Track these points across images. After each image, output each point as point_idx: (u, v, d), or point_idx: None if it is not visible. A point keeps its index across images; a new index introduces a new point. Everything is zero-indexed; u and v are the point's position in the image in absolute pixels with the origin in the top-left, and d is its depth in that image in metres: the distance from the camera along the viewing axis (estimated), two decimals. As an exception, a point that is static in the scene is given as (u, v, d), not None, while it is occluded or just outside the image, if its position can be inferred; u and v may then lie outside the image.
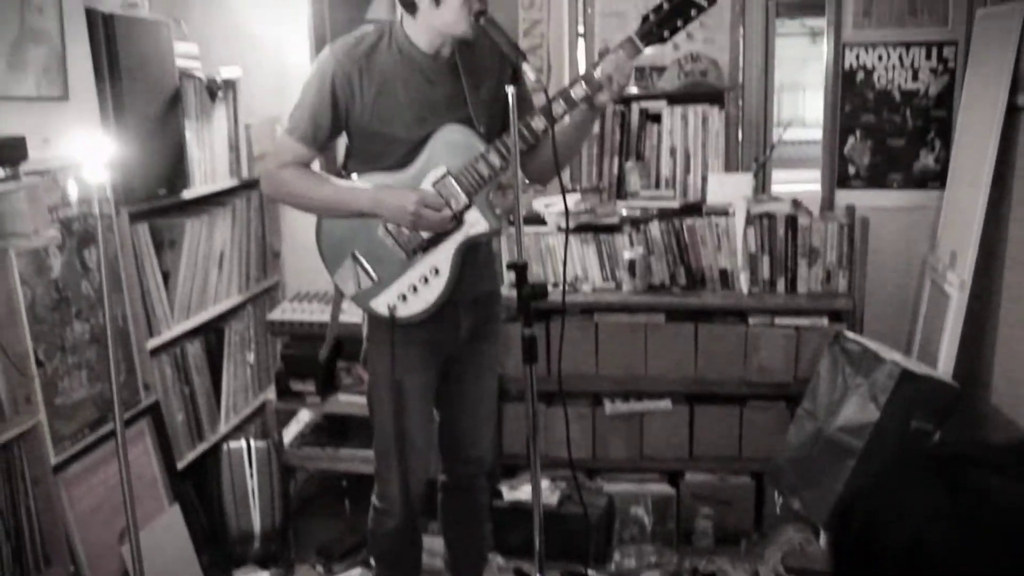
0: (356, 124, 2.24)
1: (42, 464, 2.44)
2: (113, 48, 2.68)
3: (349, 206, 2.26)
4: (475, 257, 2.35)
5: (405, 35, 2.20)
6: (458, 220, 2.26)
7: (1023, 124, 2.80)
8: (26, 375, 2.36)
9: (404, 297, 2.30)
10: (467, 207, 2.25)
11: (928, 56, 3.36)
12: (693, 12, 2.14)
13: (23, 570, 2.40)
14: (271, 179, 2.32)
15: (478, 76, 2.24)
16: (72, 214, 2.56)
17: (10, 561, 2.34)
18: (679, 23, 2.14)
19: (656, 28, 2.13)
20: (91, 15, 2.65)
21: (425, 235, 2.25)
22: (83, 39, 2.63)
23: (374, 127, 2.22)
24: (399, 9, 2.18)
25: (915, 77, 3.38)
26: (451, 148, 2.23)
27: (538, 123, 2.16)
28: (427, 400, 2.45)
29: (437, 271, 2.29)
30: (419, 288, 2.30)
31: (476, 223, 2.27)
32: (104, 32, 2.67)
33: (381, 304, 2.31)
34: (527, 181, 2.53)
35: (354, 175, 2.31)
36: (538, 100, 2.20)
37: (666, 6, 2.13)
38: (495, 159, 2.19)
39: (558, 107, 2.16)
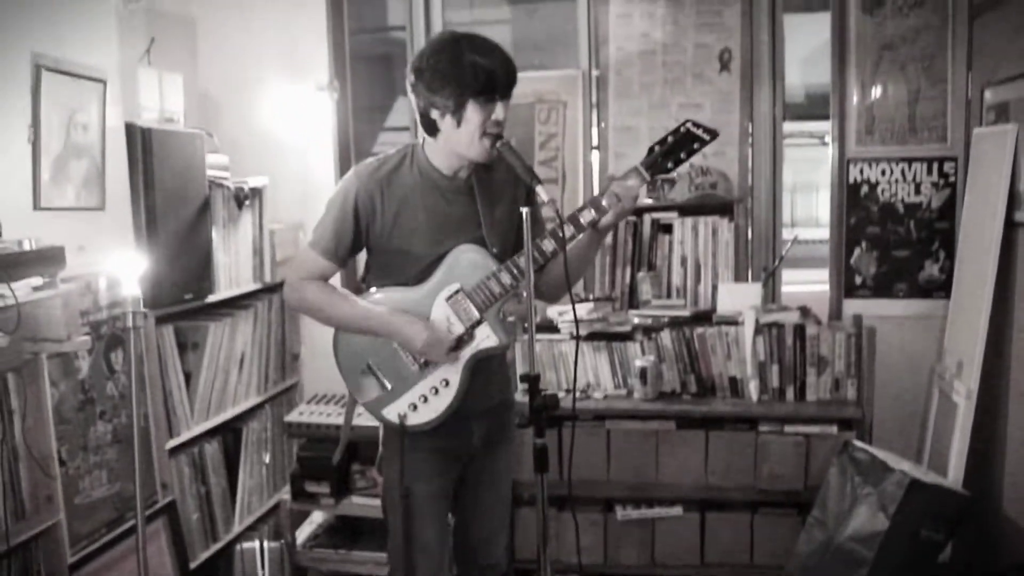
0: (376, 241, 2.34)
1: (59, 563, 2.47)
2: (149, 160, 2.84)
3: (362, 327, 2.35)
4: (487, 368, 2.42)
5: (425, 157, 2.33)
6: (470, 335, 2.34)
7: (1020, 239, 2.88)
8: (49, 475, 2.42)
9: (415, 406, 2.37)
10: (479, 323, 2.34)
11: (929, 171, 3.48)
12: (696, 145, 2.26)
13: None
14: (294, 290, 2.41)
15: (493, 198, 2.35)
16: (102, 318, 2.67)
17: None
18: (683, 155, 2.26)
19: (660, 160, 2.25)
20: (130, 130, 2.81)
21: None
22: (122, 152, 2.79)
23: (393, 244, 2.33)
24: (420, 133, 2.31)
25: (918, 191, 3.49)
26: (465, 266, 2.32)
27: (548, 245, 2.26)
28: (440, 506, 2.49)
29: (447, 383, 2.36)
30: (429, 398, 2.36)
31: (487, 338, 2.35)
32: (142, 146, 2.82)
33: (392, 413, 2.37)
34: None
35: (372, 288, 2.40)
36: (547, 217, 2.30)
37: (670, 139, 2.25)
38: (506, 278, 2.29)
39: (568, 230, 2.26)
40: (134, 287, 2.05)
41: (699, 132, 2.26)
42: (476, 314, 2.31)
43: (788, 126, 3.93)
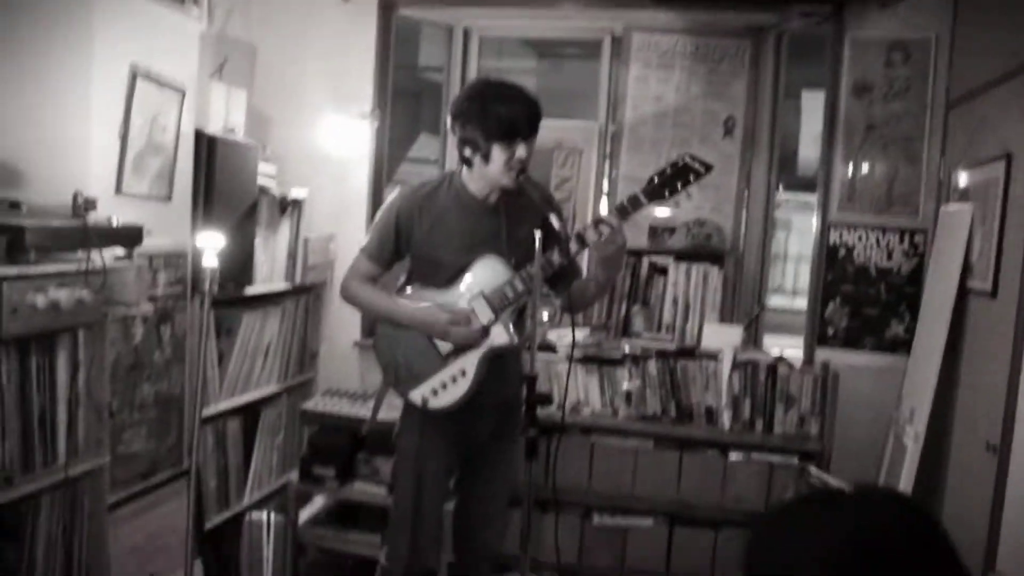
0: (415, 249, 2.75)
1: (100, 502, 2.82)
2: (212, 163, 3.24)
3: (395, 317, 2.75)
4: (502, 366, 2.78)
5: (461, 182, 2.73)
6: (486, 332, 2.71)
7: (970, 305, 3.25)
8: (102, 422, 2.77)
9: (435, 392, 2.74)
10: (493, 322, 2.71)
11: (901, 240, 3.86)
12: (692, 177, 2.59)
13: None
14: (345, 287, 2.84)
15: (518, 219, 2.72)
16: (158, 294, 3.04)
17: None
18: (679, 185, 2.59)
19: (659, 188, 2.59)
20: (199, 136, 3.22)
21: None
22: (190, 154, 3.18)
23: (428, 253, 2.73)
24: (460, 163, 2.71)
25: (889, 257, 3.87)
26: (486, 274, 2.71)
27: (556, 258, 2.63)
28: (443, 480, 2.84)
29: (464, 372, 2.73)
30: (448, 385, 2.73)
31: (499, 336, 2.73)
32: (207, 150, 3.23)
33: (417, 395, 2.74)
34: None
35: (410, 289, 2.79)
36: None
37: (669, 170, 2.59)
38: (519, 284, 2.67)
39: (573, 246, 2.63)
40: (213, 259, 2.44)
41: (695, 165, 2.57)
42: (492, 315, 2.69)
43: (800, 196, 4.30)
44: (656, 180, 2.60)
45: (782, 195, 6.61)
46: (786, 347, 4.35)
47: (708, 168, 2.60)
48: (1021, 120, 2.88)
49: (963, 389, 3.26)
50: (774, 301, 7.48)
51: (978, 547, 2.85)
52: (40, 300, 2.31)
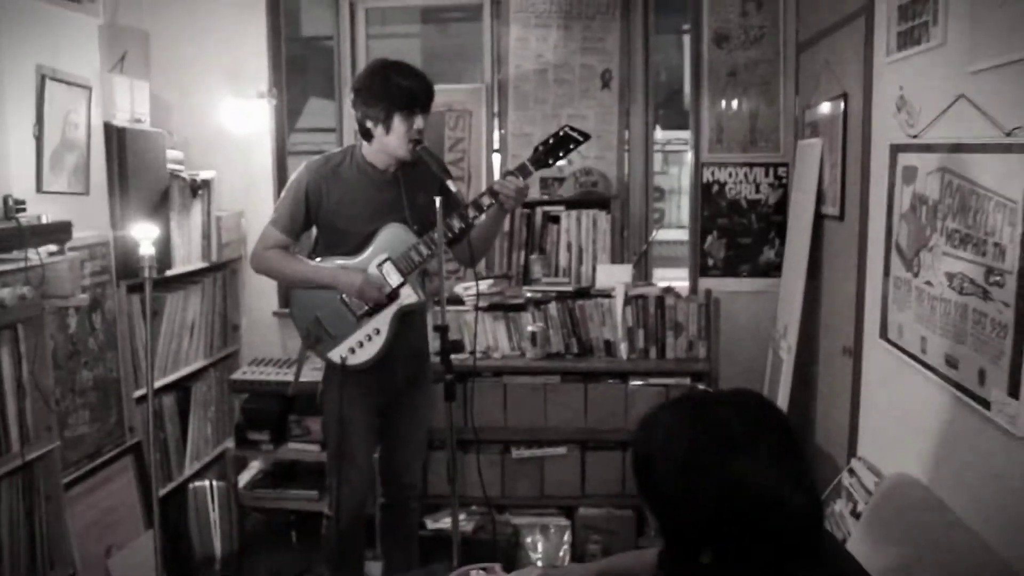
0: (323, 220, 2.99)
1: (55, 482, 3.01)
2: (123, 154, 3.40)
3: (314, 280, 2.99)
4: (410, 322, 3.08)
5: (363, 156, 2.98)
6: (394, 294, 3.00)
7: (825, 228, 3.68)
8: (50, 408, 2.96)
9: (353, 350, 3.01)
10: (402, 284, 2.99)
11: (767, 174, 4.27)
12: (572, 145, 2.95)
13: (34, 571, 2.94)
14: (258, 257, 3.04)
15: (415, 188, 3.01)
16: (86, 284, 3.21)
17: (27, 561, 2.90)
18: (561, 153, 2.95)
19: (543, 156, 2.93)
20: (108, 128, 3.37)
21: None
22: (101, 147, 3.33)
23: (336, 223, 2.98)
24: (358, 137, 2.96)
25: (757, 190, 4.29)
26: (392, 241, 2.99)
27: (456, 223, 2.92)
28: (369, 430, 3.13)
29: (378, 331, 3.01)
30: (364, 344, 3.01)
31: (408, 296, 3.02)
32: (117, 141, 3.38)
33: (336, 355, 3.01)
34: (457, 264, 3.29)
35: (319, 259, 3.03)
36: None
37: (551, 140, 2.94)
38: (423, 249, 2.95)
39: (471, 212, 2.93)
40: (149, 248, 2.64)
41: (574, 135, 2.95)
42: (400, 277, 2.97)
43: (680, 134, 4.66)
44: (540, 149, 2.94)
45: (662, 135, 6.96)
46: (679, 279, 4.76)
47: (586, 137, 2.96)
48: (853, 63, 3.28)
49: (824, 303, 3.70)
50: (671, 234, 7.93)
51: (843, 438, 3.30)
52: (-13, 300, 2.48)
